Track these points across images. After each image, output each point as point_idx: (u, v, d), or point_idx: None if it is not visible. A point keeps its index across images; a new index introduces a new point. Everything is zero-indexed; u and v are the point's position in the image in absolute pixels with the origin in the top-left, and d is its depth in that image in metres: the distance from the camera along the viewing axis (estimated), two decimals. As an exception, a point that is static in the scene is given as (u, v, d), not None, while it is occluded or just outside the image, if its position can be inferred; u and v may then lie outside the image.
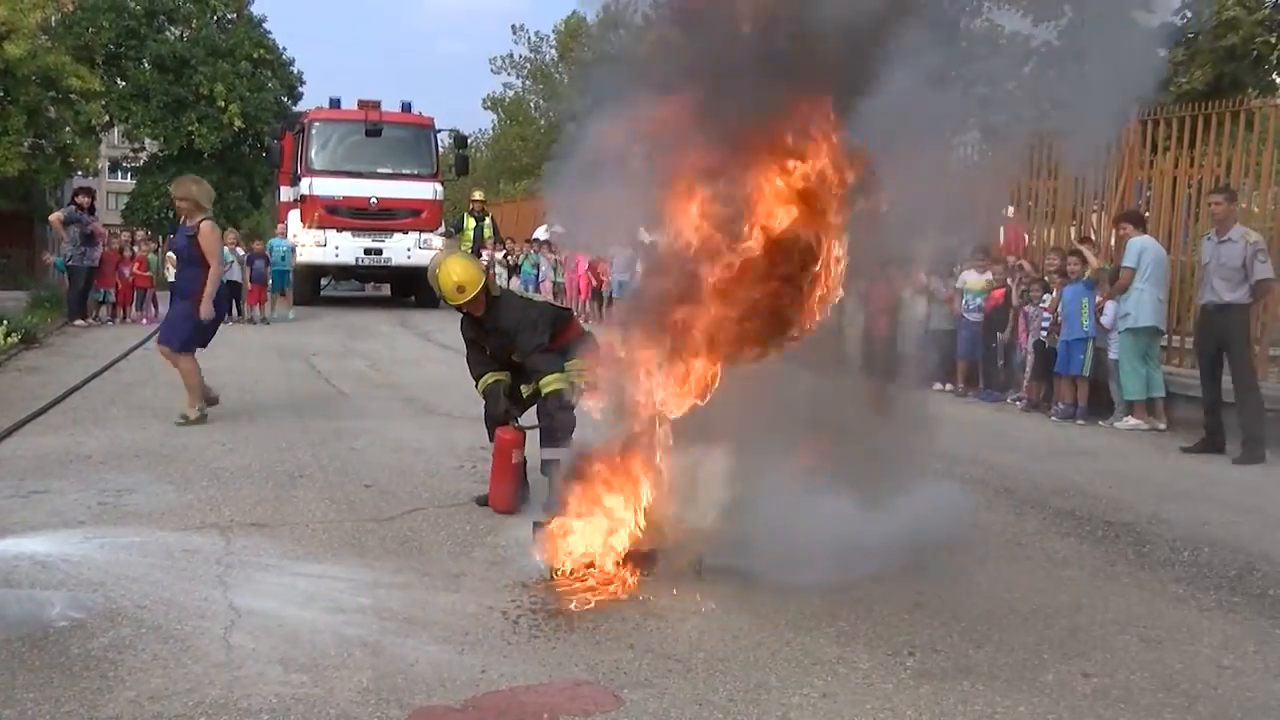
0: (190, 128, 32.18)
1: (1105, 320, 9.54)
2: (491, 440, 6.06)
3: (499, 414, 6.01)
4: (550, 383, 5.76)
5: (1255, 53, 14.27)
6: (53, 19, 28.86)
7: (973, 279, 11.18)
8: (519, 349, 5.90)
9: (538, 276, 20.31)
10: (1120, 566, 5.24)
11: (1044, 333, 10.25)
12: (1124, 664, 3.95)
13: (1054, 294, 10.17)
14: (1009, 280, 11.08)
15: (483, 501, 5.99)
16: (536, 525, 4.99)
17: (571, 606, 4.37)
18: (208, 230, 8.29)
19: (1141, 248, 9.25)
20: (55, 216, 16.30)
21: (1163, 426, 9.19)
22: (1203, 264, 8.43)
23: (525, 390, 6.02)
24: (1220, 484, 7.23)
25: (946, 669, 3.86)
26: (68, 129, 27.61)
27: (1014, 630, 4.26)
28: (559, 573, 4.68)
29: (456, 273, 5.80)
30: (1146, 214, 10.54)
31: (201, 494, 6.13)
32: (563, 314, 6.25)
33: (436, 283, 5.84)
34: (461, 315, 6.07)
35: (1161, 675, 3.87)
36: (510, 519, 5.66)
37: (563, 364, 5.77)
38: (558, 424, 5.70)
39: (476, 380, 6.17)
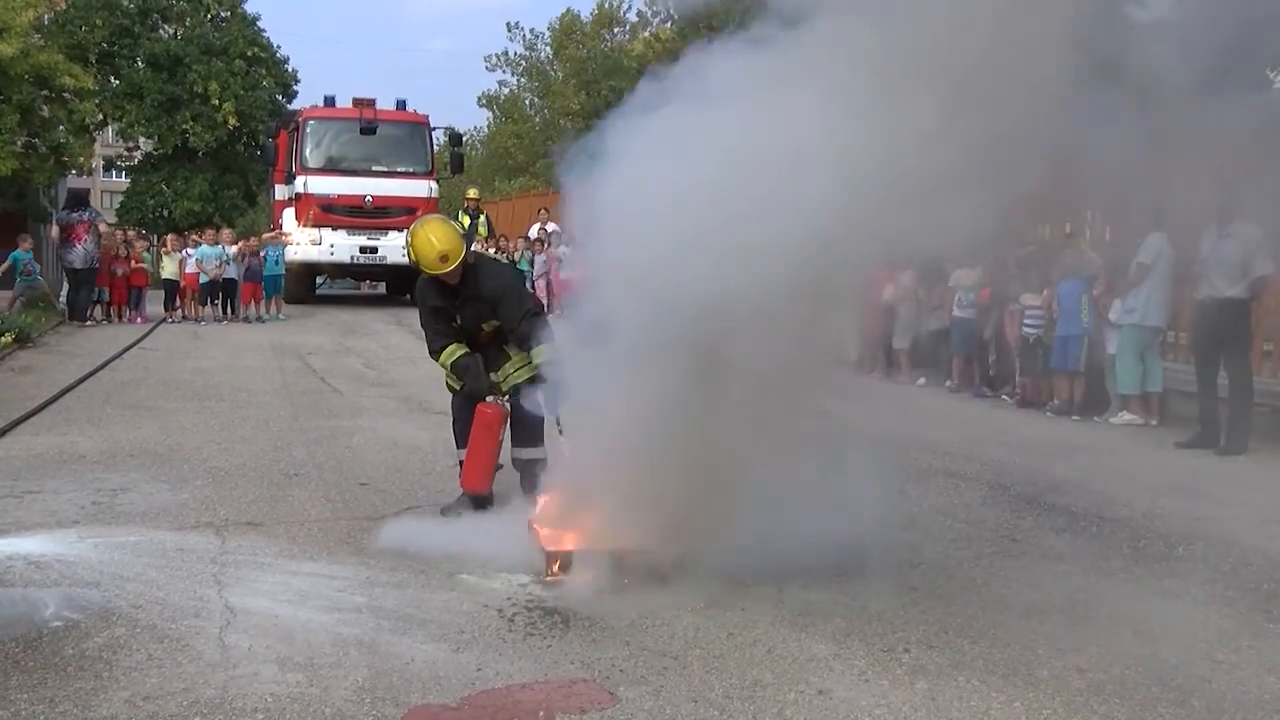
0: (185, 126, 32.03)
1: (1113, 315, 9.46)
2: (458, 422, 5.65)
3: (484, 390, 5.53)
4: (520, 372, 5.45)
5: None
6: (45, 17, 28.78)
7: (964, 275, 11.17)
8: (504, 317, 5.46)
9: (532, 274, 20.29)
10: (1115, 562, 5.25)
11: (1031, 328, 10.23)
12: (1119, 659, 3.95)
13: (1047, 290, 10.15)
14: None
15: (444, 511, 5.67)
16: (531, 523, 4.98)
17: (567, 604, 4.37)
18: None
19: (1161, 245, 9.11)
20: (54, 234, 16.69)
21: (1154, 422, 9.19)
22: (1201, 258, 8.37)
23: (494, 374, 5.57)
24: (1214, 479, 7.23)
25: (942, 665, 3.87)
26: (61, 128, 27.50)
27: (1009, 626, 4.26)
28: (554, 569, 4.68)
29: (439, 240, 5.34)
30: None
31: (196, 493, 6.12)
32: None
33: (414, 250, 5.36)
34: (422, 277, 5.56)
35: (1156, 670, 3.87)
36: (504, 515, 5.62)
37: (551, 335, 5.37)
38: (533, 419, 5.38)
39: (437, 353, 5.60)
